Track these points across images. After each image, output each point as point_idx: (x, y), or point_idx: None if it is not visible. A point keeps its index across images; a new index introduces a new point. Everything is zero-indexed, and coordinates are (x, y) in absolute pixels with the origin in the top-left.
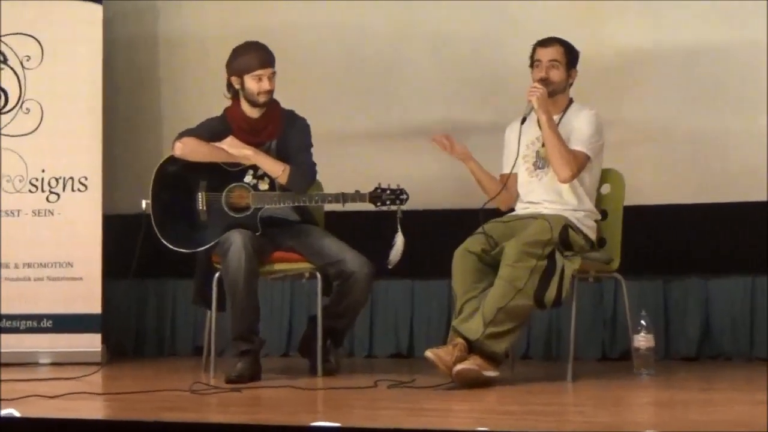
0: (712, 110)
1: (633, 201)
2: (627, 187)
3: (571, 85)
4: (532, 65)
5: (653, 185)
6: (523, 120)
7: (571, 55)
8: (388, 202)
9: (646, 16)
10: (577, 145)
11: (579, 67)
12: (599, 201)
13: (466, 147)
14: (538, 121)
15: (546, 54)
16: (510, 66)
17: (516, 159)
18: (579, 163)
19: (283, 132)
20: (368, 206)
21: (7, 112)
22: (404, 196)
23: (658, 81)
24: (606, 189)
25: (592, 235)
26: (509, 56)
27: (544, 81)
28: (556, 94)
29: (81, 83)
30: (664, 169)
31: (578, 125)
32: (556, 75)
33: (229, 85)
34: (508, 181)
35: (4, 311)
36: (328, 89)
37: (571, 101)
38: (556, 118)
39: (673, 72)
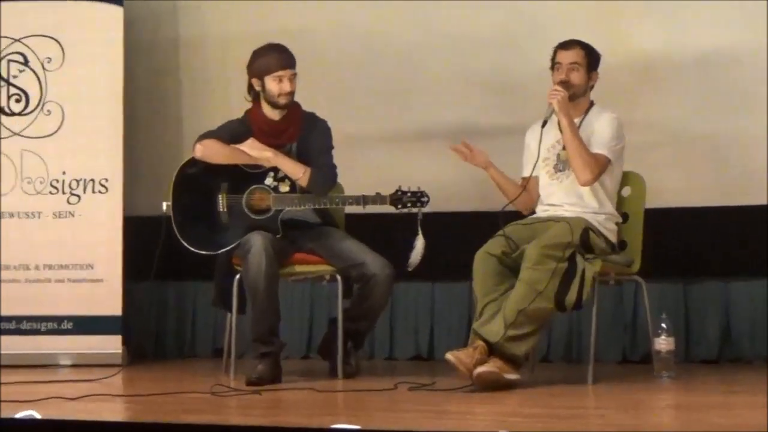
0: (732, 113)
1: (654, 204)
2: (648, 189)
3: (591, 87)
4: (552, 68)
5: (674, 188)
6: (544, 123)
7: (591, 58)
8: (408, 205)
9: (666, 19)
10: (598, 148)
11: (599, 69)
12: (620, 204)
13: (486, 154)
14: (559, 124)
15: (566, 57)
16: (529, 68)
17: (536, 162)
18: (600, 166)
19: (304, 134)
20: (389, 208)
21: (28, 113)
22: (425, 199)
23: (678, 83)
24: (627, 192)
25: (613, 238)
26: (528, 59)
27: (565, 84)
28: (577, 97)
29: (102, 85)
30: (684, 171)
31: (599, 128)
32: (577, 78)
33: (250, 87)
34: (528, 185)
35: (25, 313)
36: (348, 91)
37: (591, 104)
38: (576, 120)
39: (694, 74)
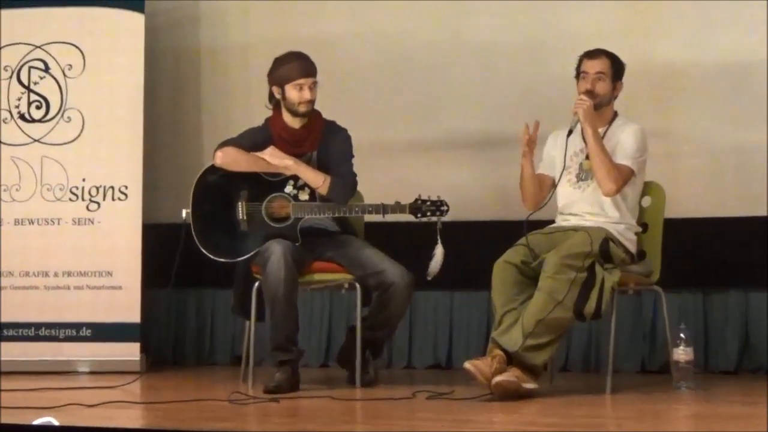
0: (756, 123)
1: (674, 214)
2: (668, 199)
3: (615, 97)
4: (577, 77)
5: (694, 198)
6: (569, 132)
7: (617, 68)
8: (428, 214)
9: (692, 30)
10: (622, 159)
11: (625, 79)
12: (640, 213)
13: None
14: (583, 134)
15: (592, 66)
16: (554, 78)
17: (562, 171)
18: (623, 177)
19: (324, 142)
20: (408, 217)
21: (49, 120)
22: (444, 208)
23: (702, 94)
24: (647, 202)
25: (633, 248)
26: (553, 68)
27: (590, 93)
28: (602, 107)
29: (122, 92)
30: (705, 181)
31: (624, 139)
32: (602, 87)
33: (271, 95)
34: (543, 183)
35: (44, 319)
36: (369, 100)
37: (616, 114)
38: (601, 131)
39: (717, 85)
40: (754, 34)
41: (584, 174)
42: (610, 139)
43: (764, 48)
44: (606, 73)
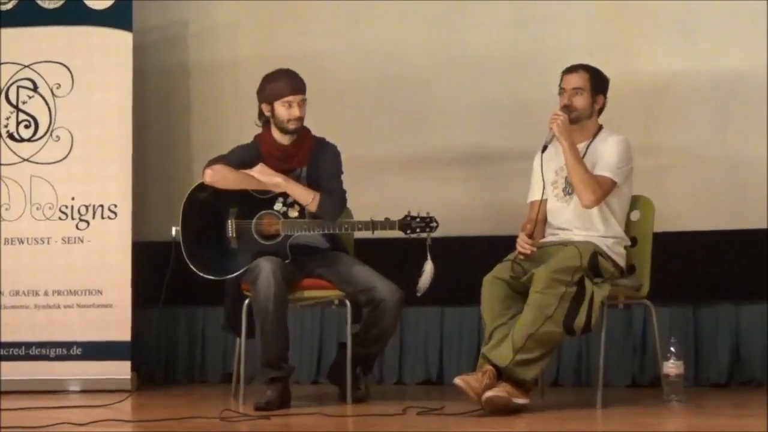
0: (745, 136)
1: (663, 227)
2: (658, 213)
3: (600, 111)
4: (559, 93)
5: (684, 211)
6: (544, 148)
7: (597, 81)
8: (417, 230)
9: (681, 42)
10: (603, 171)
11: (613, 92)
12: (629, 227)
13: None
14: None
15: (570, 81)
16: (543, 94)
17: (543, 188)
18: (603, 188)
19: (314, 159)
20: (398, 234)
21: (38, 139)
22: (434, 224)
23: (691, 106)
24: (635, 215)
25: (622, 262)
26: (542, 84)
27: (567, 108)
28: (581, 120)
29: (111, 111)
30: (694, 195)
31: (605, 151)
32: (580, 101)
33: (260, 113)
34: (540, 209)
35: (34, 339)
36: (359, 116)
37: (600, 128)
38: (584, 144)
39: (707, 97)
40: (742, 45)
41: (570, 188)
42: (593, 152)
43: (752, 59)
44: (584, 87)
